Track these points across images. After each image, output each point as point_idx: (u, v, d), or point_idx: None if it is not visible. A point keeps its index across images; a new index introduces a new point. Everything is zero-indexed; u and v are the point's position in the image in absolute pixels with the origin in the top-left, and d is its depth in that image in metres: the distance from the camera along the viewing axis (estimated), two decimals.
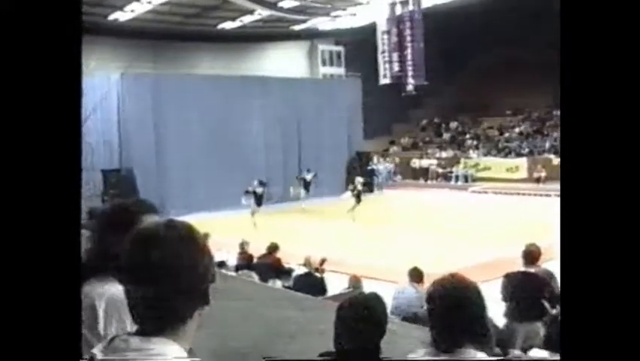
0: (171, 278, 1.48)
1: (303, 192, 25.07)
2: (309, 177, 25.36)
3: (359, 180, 23.98)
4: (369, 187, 30.64)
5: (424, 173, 35.78)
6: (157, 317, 1.50)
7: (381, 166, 34.91)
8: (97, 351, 1.57)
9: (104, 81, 24.08)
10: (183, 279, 1.49)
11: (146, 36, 30.31)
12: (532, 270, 6.78)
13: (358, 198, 22.67)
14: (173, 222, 1.58)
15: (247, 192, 21.75)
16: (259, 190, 21.92)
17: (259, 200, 21.91)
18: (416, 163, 36.50)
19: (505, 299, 6.52)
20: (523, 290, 6.25)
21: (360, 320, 2.82)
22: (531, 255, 7.03)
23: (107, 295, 2.19)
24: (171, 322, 1.51)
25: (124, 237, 1.72)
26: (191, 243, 1.54)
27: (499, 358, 2.38)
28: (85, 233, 2.22)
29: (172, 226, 1.55)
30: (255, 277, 10.38)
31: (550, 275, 6.72)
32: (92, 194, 21.22)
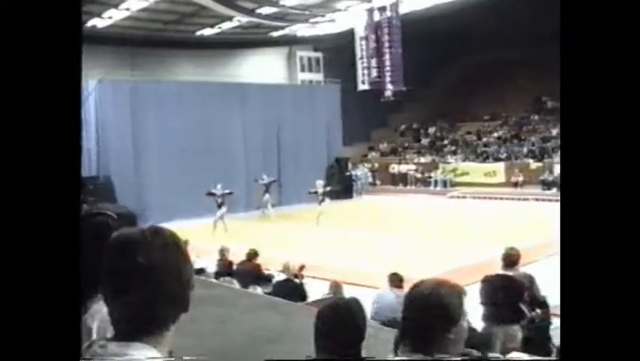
0: (155, 284, 1.48)
1: (267, 196, 24.91)
2: (266, 181, 25.17)
3: (319, 182, 23.93)
4: (348, 193, 30.76)
5: (402, 178, 35.91)
6: (138, 322, 1.49)
7: (360, 172, 34.99)
8: None
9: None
10: (167, 285, 1.49)
11: (125, 43, 30.12)
12: (510, 273, 6.83)
13: (322, 201, 22.76)
14: (157, 228, 1.57)
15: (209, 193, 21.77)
16: (219, 192, 21.94)
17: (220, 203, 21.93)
18: (395, 169, 36.62)
19: (483, 302, 6.56)
20: (502, 293, 6.29)
21: (340, 324, 2.83)
22: (510, 258, 7.08)
23: (101, 312, 2.16)
24: (152, 328, 1.50)
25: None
26: (176, 249, 1.55)
27: (499, 358, 2.39)
28: None
29: (157, 232, 1.55)
30: (236, 283, 10.35)
31: (530, 279, 6.77)
32: None
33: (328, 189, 23.57)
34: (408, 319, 2.31)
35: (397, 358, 2.37)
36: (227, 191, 21.98)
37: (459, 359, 2.27)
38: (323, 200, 22.87)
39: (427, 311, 2.24)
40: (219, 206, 21.66)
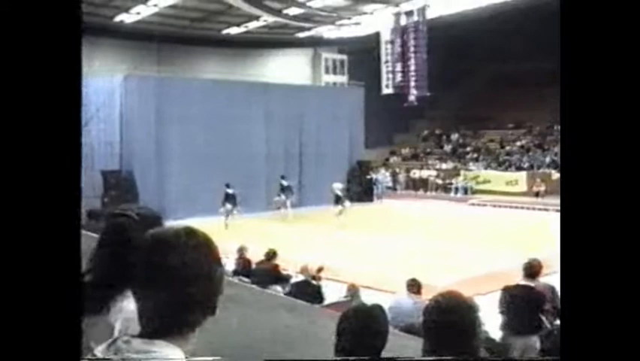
0: (185, 285, 1.48)
1: (283, 197, 25.02)
2: (285, 183, 25.25)
3: (337, 185, 24.00)
4: (368, 196, 30.73)
5: (423, 184, 35.78)
6: (164, 322, 1.49)
7: (381, 176, 34.91)
8: (98, 351, 1.57)
9: (107, 82, 24.13)
10: (196, 287, 1.49)
11: (151, 39, 30.34)
12: (531, 284, 6.78)
13: (337, 202, 22.84)
14: (191, 229, 1.57)
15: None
16: (230, 192, 22.05)
17: (232, 202, 22.14)
18: (416, 174, 36.51)
19: (502, 312, 6.52)
20: (521, 304, 6.25)
21: (365, 329, 2.83)
22: (531, 269, 7.02)
23: (124, 312, 2.14)
24: (177, 328, 1.51)
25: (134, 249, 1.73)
26: (208, 252, 1.54)
27: (502, 358, 2.39)
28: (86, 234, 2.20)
29: (191, 234, 1.55)
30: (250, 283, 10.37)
31: (552, 289, 6.70)
32: (91, 195, 21.22)
33: (340, 193, 23.61)
34: (428, 333, 2.42)
35: (425, 358, 2.42)
36: (231, 191, 22.21)
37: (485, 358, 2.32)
38: (342, 202, 22.92)
39: (446, 326, 2.36)
40: (232, 204, 21.94)
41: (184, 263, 1.48)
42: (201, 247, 1.53)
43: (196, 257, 1.50)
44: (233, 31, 33.70)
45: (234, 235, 15.97)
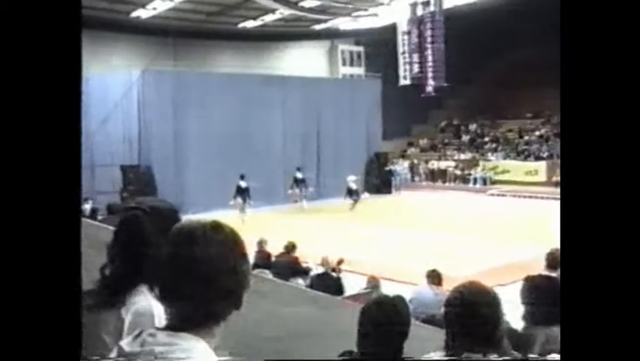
0: (210, 279, 1.49)
1: (297, 190, 25.05)
2: (299, 176, 25.25)
3: (350, 178, 24.04)
4: (387, 188, 30.70)
5: (442, 175, 35.65)
6: (189, 315, 1.51)
7: (399, 167, 34.82)
8: (124, 344, 1.58)
9: (125, 78, 24.28)
10: (222, 281, 1.50)
11: (168, 34, 30.44)
12: (554, 274, 6.72)
13: (350, 194, 22.91)
14: (217, 223, 1.57)
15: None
16: (243, 185, 22.07)
17: (245, 195, 22.15)
18: (434, 165, 36.37)
19: (524, 302, 6.47)
20: (543, 294, 6.20)
21: (387, 321, 2.83)
22: (554, 259, 6.95)
23: (134, 308, 2.18)
24: (202, 322, 1.52)
25: (151, 245, 1.72)
26: (234, 246, 1.55)
27: (507, 358, 2.40)
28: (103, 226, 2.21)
29: (216, 228, 1.55)
30: (269, 275, 10.38)
31: None
32: (110, 190, 21.38)
33: (354, 186, 23.69)
34: (450, 324, 2.43)
35: (438, 358, 2.41)
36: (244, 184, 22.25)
37: (495, 359, 2.31)
38: (355, 194, 22.99)
39: (469, 318, 2.36)
40: (244, 199, 21.99)
41: (210, 257, 1.49)
42: (227, 241, 1.54)
43: (222, 251, 1.51)
44: (250, 24, 33.69)
45: (251, 228, 16.01)
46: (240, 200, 22.13)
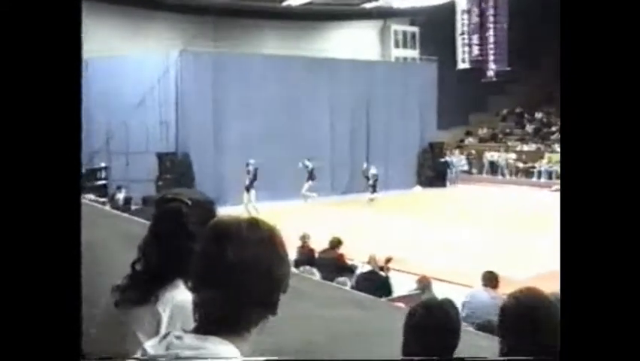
0: (243, 282, 1.49)
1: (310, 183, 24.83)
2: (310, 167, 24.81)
3: (371, 168, 24.37)
4: (441, 181, 30.50)
5: (502, 167, 35.24)
6: (220, 318, 1.51)
7: (455, 159, 34.53)
8: (148, 346, 1.58)
9: (162, 59, 24.51)
10: (256, 284, 1.50)
11: (207, 12, 30.64)
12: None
13: (373, 188, 23.05)
14: (255, 221, 1.57)
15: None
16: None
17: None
18: (494, 157, 35.95)
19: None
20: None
21: (434, 326, 2.79)
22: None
23: (173, 302, 2.20)
24: (234, 326, 1.52)
25: (191, 239, 1.71)
26: (272, 247, 1.54)
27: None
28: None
29: (254, 226, 1.54)
30: (317, 273, 10.39)
31: None
32: (144, 178, 21.64)
33: (372, 179, 23.75)
34: (505, 333, 2.48)
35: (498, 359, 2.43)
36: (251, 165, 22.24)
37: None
38: (374, 186, 23.13)
39: (526, 327, 2.39)
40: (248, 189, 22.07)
41: (243, 258, 1.49)
42: (264, 241, 1.53)
43: (257, 252, 1.50)
44: (295, 2, 33.69)
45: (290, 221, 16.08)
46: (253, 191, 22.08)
